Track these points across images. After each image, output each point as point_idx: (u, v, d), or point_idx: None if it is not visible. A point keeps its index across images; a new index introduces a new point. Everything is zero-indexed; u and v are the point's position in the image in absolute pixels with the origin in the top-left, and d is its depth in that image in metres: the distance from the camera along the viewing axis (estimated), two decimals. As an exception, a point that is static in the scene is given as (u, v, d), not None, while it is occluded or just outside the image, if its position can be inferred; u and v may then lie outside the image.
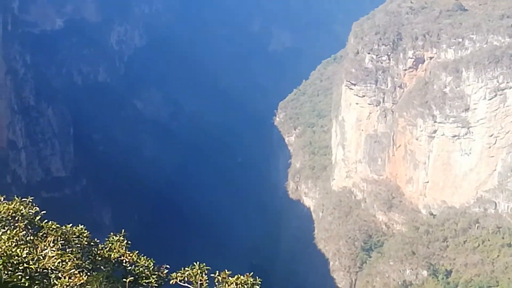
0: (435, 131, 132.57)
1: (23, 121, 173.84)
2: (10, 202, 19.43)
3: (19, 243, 17.48)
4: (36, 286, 16.47)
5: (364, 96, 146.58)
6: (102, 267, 19.47)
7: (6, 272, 16.03)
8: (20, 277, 16.10)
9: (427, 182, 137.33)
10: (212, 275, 18.25)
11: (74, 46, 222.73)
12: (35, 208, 19.71)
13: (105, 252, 19.84)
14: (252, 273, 18.27)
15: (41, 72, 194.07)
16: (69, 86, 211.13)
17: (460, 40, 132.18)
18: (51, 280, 16.92)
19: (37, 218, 19.50)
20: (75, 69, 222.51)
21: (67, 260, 17.41)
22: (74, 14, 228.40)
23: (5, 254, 16.35)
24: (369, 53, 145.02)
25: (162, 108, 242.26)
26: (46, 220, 19.71)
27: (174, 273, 18.63)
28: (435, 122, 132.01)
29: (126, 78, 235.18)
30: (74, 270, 17.21)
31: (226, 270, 18.29)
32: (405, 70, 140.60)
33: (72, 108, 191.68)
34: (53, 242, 18.67)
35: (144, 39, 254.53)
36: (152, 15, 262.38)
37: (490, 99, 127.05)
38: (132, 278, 19.00)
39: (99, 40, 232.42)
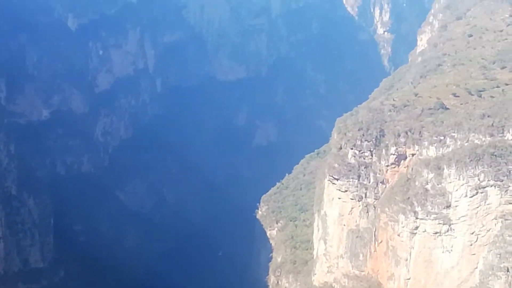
0: (416, 228, 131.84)
1: (3, 211, 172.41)
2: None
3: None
4: None
5: (346, 191, 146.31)
6: None
7: None
8: None
9: (409, 278, 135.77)
10: None
11: (60, 137, 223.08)
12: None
13: None
14: None
15: (25, 162, 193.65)
16: (52, 177, 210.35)
17: (442, 138, 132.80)
18: None
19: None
20: (59, 159, 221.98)
21: None
22: (61, 105, 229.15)
23: None
24: (352, 149, 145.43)
25: (145, 200, 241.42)
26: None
27: None
28: (416, 218, 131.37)
29: (110, 169, 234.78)
30: None
31: None
32: (388, 166, 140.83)
33: (54, 198, 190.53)
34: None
35: (129, 130, 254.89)
36: (138, 107, 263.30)
37: (471, 197, 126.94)
38: None
39: (85, 131, 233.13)
